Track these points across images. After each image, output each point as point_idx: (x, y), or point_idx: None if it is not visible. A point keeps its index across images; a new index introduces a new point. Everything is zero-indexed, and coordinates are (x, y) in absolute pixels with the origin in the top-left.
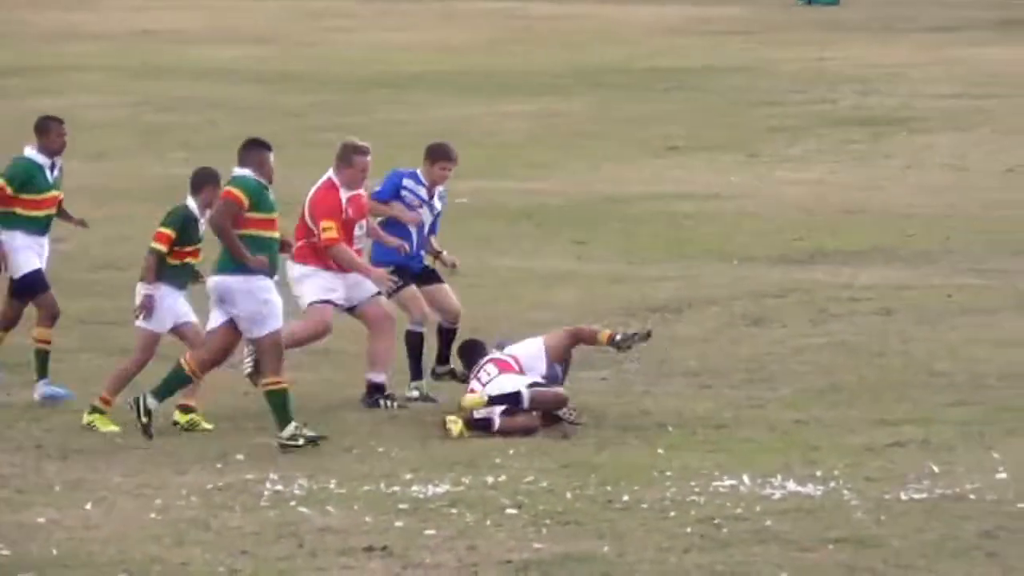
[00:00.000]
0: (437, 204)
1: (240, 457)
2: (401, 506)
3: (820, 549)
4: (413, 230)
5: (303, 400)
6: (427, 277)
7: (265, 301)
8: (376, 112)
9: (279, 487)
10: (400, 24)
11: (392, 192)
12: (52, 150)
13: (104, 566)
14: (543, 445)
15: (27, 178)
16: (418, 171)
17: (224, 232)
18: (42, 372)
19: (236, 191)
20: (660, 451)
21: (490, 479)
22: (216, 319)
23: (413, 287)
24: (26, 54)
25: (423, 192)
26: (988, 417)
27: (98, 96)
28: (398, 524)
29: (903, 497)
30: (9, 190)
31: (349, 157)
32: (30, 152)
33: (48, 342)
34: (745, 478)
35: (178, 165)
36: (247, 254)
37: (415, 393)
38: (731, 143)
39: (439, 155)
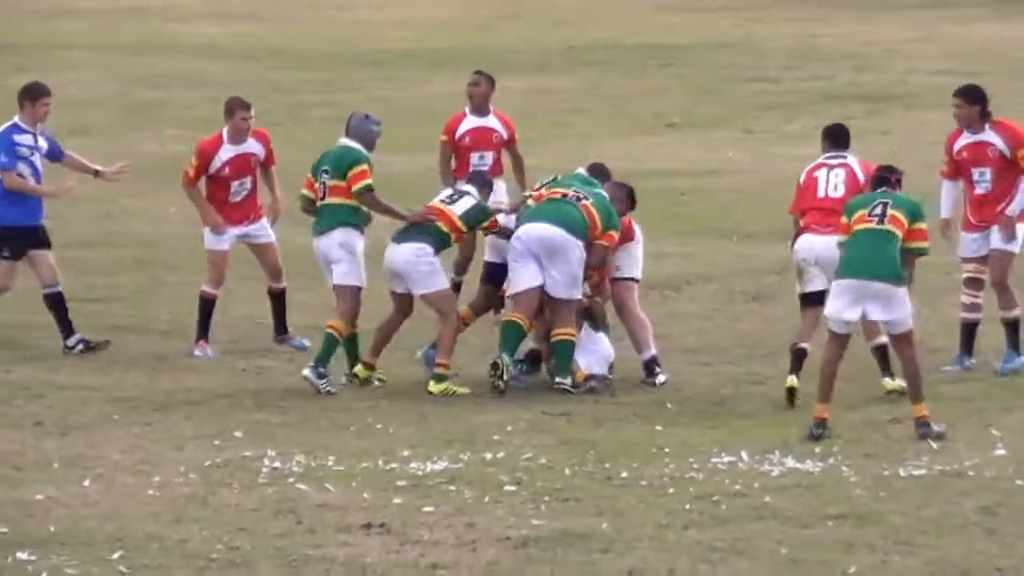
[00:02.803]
0: (44, 144)
1: (238, 434)
2: (400, 483)
3: (819, 525)
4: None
5: (300, 378)
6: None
7: None
8: (367, 89)
9: (277, 464)
10: (391, 1)
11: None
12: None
13: (102, 543)
14: (542, 422)
15: None
16: (16, 120)
17: None
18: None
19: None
20: (659, 428)
21: (489, 456)
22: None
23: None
24: (13, 31)
25: (29, 139)
26: (987, 393)
27: (87, 72)
28: (396, 501)
29: (902, 473)
30: None
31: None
32: None
33: None
34: (744, 454)
35: (170, 142)
36: None
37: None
38: (725, 120)
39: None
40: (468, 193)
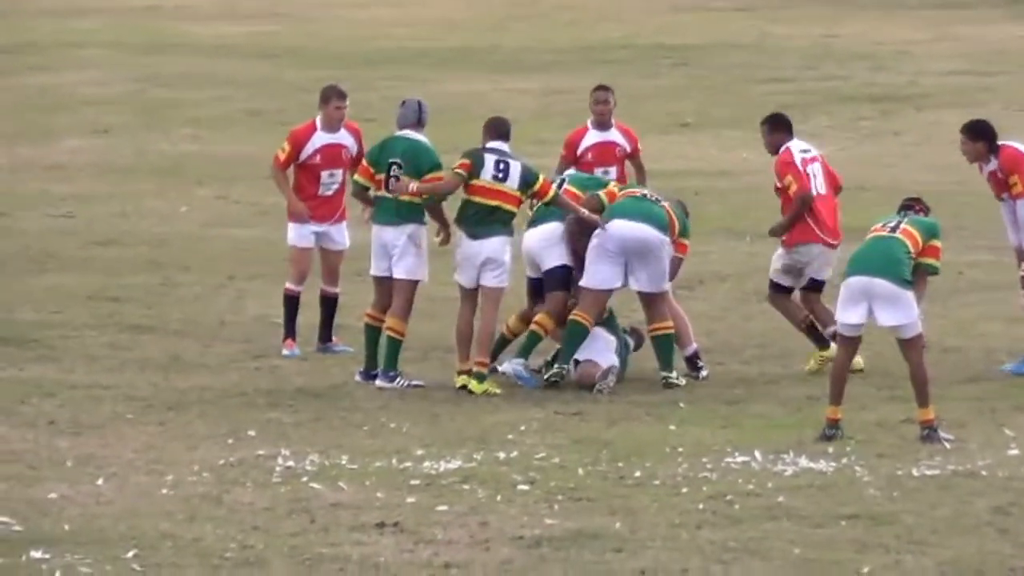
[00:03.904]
0: None
1: (252, 433)
2: (413, 482)
3: (832, 525)
4: None
5: (314, 377)
6: None
7: None
8: (382, 88)
9: (291, 463)
10: (406, 0)
11: None
12: None
13: (116, 542)
14: (555, 421)
15: None
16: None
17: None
18: None
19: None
20: (672, 427)
21: (502, 455)
22: None
23: None
24: (29, 30)
25: None
26: (1000, 393)
27: (102, 72)
28: (410, 500)
29: (915, 473)
30: None
31: None
32: None
33: None
34: (757, 454)
35: (185, 141)
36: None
37: None
38: (739, 120)
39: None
40: (508, 157)
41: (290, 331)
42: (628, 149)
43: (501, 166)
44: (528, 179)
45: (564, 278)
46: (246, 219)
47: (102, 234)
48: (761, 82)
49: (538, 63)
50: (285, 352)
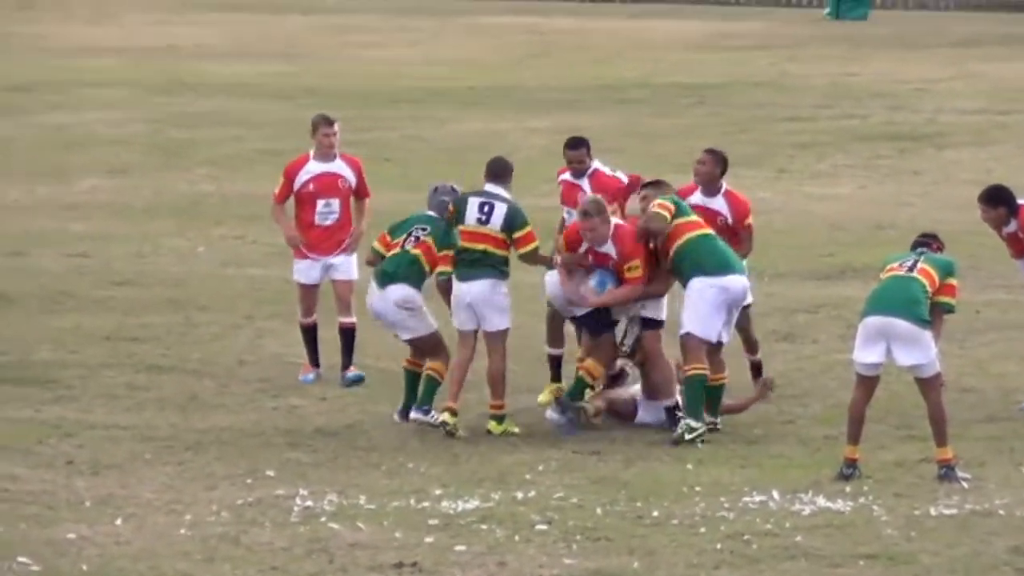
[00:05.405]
0: None
1: (270, 473)
2: (431, 522)
3: (850, 565)
4: None
5: (332, 417)
6: None
7: None
8: (400, 128)
9: (309, 503)
10: (422, 39)
11: None
12: None
13: None
14: (573, 461)
15: None
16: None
17: None
18: None
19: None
20: (690, 466)
21: (520, 495)
22: None
23: None
24: (47, 69)
25: None
26: (1018, 433)
27: (120, 111)
28: (428, 540)
29: (933, 513)
30: None
31: None
32: None
33: None
34: (775, 494)
35: (203, 181)
36: None
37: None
38: (758, 159)
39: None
40: (496, 199)
41: (311, 359)
42: (730, 221)
43: (485, 208)
44: (512, 223)
45: (607, 320)
46: (263, 259)
47: (119, 274)
48: (779, 121)
49: (556, 102)
50: (300, 377)
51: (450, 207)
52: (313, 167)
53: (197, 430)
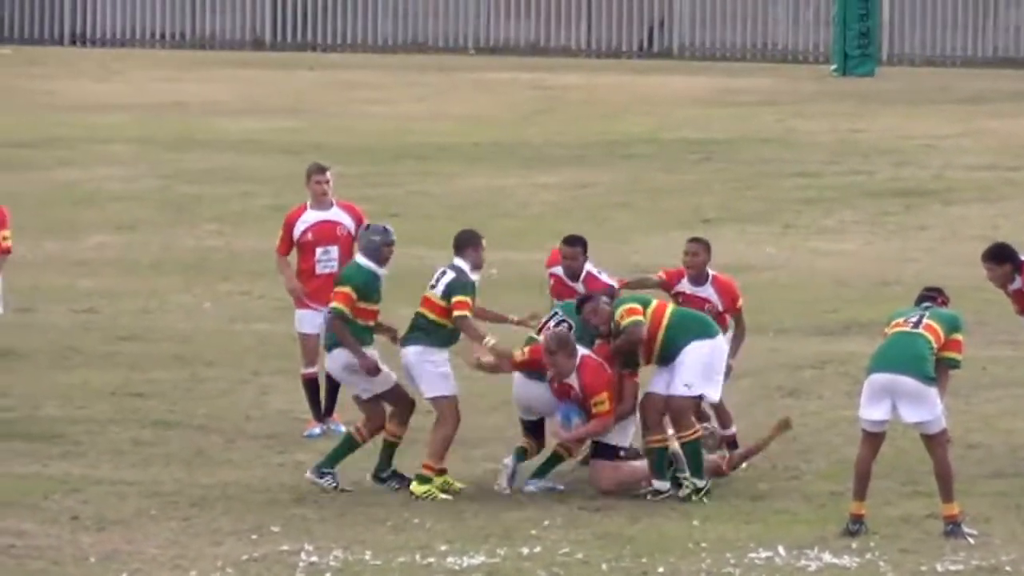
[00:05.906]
0: None
1: (276, 528)
2: None
3: None
4: None
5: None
6: None
7: None
8: (407, 183)
9: (314, 559)
10: (429, 95)
11: None
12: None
13: None
14: (578, 517)
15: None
16: None
17: None
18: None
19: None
20: (695, 523)
21: (525, 550)
22: None
23: None
24: (55, 125)
25: None
26: None
27: (128, 168)
28: None
29: (939, 569)
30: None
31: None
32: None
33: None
34: (781, 550)
35: (210, 237)
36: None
37: None
38: (764, 215)
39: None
40: (448, 267)
41: (314, 413)
42: (720, 308)
43: (436, 275)
44: (451, 291)
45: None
46: (270, 314)
47: (126, 329)
48: (786, 176)
49: (563, 157)
50: (305, 433)
51: (383, 248)
52: (310, 216)
53: (203, 486)
